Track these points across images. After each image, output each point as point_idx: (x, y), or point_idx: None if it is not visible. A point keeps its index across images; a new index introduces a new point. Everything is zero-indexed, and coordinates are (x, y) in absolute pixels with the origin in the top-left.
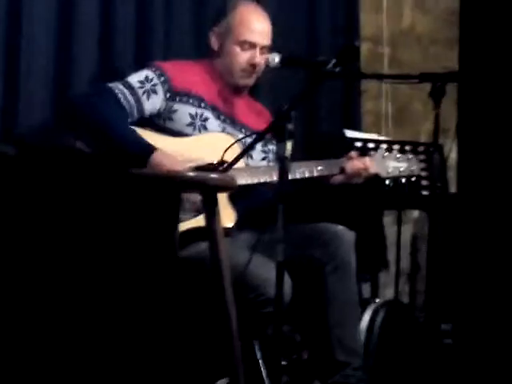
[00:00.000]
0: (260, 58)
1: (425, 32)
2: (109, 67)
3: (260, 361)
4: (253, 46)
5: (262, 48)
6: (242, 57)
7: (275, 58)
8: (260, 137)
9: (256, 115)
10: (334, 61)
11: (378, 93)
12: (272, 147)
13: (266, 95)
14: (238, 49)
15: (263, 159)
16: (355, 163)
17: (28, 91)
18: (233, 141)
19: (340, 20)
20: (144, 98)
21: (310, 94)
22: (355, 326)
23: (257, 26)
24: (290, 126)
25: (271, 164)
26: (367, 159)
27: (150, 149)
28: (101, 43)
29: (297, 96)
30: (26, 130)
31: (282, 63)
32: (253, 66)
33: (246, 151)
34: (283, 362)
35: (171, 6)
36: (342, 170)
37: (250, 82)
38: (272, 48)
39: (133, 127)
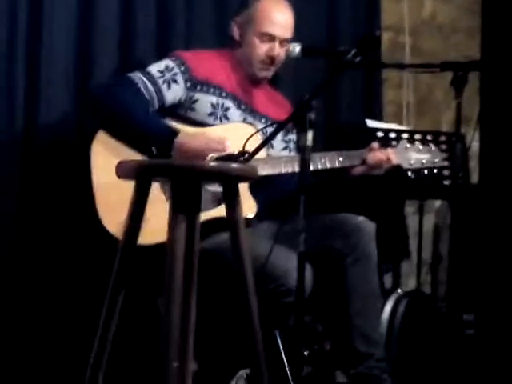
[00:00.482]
0: (279, 51)
1: (446, 21)
2: (130, 65)
3: (282, 351)
4: (272, 38)
5: (283, 41)
6: (261, 49)
7: (296, 48)
8: (281, 126)
9: (276, 105)
10: (354, 50)
11: (400, 82)
12: (293, 137)
13: (287, 85)
14: (257, 40)
15: (284, 149)
16: (377, 154)
17: (48, 95)
18: (254, 130)
19: (361, 9)
20: (164, 87)
21: (330, 84)
22: (377, 317)
23: (278, 19)
24: (312, 116)
25: (292, 154)
26: (389, 151)
27: (174, 131)
28: (121, 40)
29: (318, 86)
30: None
31: (302, 53)
32: (271, 58)
33: (268, 141)
34: (305, 353)
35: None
36: (363, 162)
37: (268, 74)
38: (293, 38)
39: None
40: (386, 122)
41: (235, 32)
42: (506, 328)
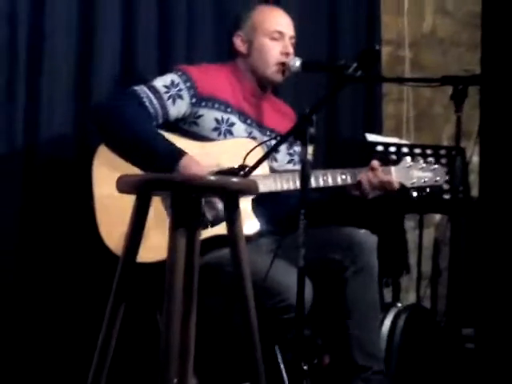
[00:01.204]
0: (291, 47)
1: (446, 35)
2: (131, 77)
3: (281, 365)
4: (282, 35)
5: (290, 38)
6: (275, 48)
7: (296, 63)
8: (282, 140)
9: (281, 116)
10: (354, 65)
11: (400, 96)
12: (297, 149)
13: (288, 99)
14: (269, 41)
15: (289, 162)
16: (378, 175)
17: (49, 109)
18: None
19: (361, 23)
20: (169, 102)
21: (331, 98)
22: (376, 330)
23: (282, 18)
24: (312, 130)
25: (297, 167)
26: (391, 169)
27: (181, 153)
28: (123, 54)
29: (318, 100)
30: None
31: (303, 67)
32: (286, 54)
33: (268, 155)
34: (304, 367)
35: (193, 12)
36: (359, 185)
37: (281, 78)
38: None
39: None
40: (386, 136)
41: (240, 45)
42: (505, 342)
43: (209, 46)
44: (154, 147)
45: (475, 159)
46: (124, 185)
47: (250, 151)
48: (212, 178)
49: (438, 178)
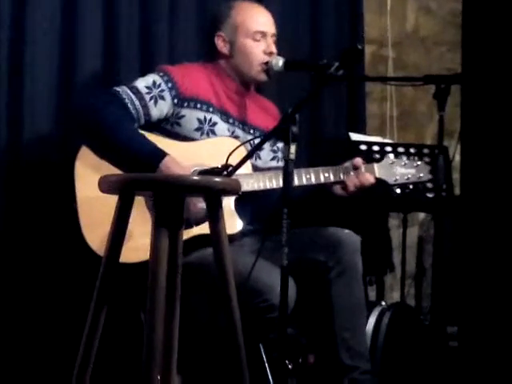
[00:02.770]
0: (274, 46)
1: (429, 34)
2: (113, 77)
3: (266, 364)
4: (264, 35)
5: (272, 36)
6: (258, 48)
7: (279, 62)
8: (264, 140)
9: (264, 113)
10: (337, 64)
11: (383, 95)
12: (280, 145)
13: (270, 99)
14: (251, 42)
15: (273, 159)
16: (359, 178)
17: (32, 109)
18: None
19: (344, 22)
20: (151, 103)
21: (314, 97)
22: (362, 329)
23: (262, 17)
24: (295, 129)
25: (280, 164)
26: (374, 166)
27: (162, 154)
28: (105, 54)
29: (301, 99)
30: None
31: (285, 67)
32: (270, 54)
33: (250, 155)
34: (289, 365)
35: (176, 11)
36: (344, 186)
37: (265, 77)
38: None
39: (141, 131)
40: (370, 135)
41: (221, 46)
42: (489, 340)
43: (191, 44)
44: (136, 149)
45: (458, 158)
46: (106, 185)
47: (233, 151)
48: (195, 177)
49: (421, 175)
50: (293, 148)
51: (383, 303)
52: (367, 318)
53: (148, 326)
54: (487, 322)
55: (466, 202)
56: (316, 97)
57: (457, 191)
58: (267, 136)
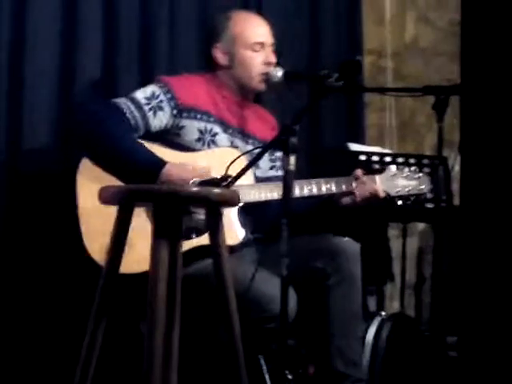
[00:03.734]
0: (273, 56)
1: (428, 44)
2: (113, 88)
3: (266, 375)
4: (262, 45)
5: (271, 46)
6: (258, 59)
7: (278, 73)
8: (263, 151)
9: (263, 123)
10: (336, 75)
11: (382, 106)
12: (279, 154)
13: (269, 109)
14: (250, 53)
15: (271, 168)
16: (367, 188)
17: (32, 119)
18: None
19: (343, 33)
20: (150, 114)
21: (313, 108)
22: (357, 337)
23: (260, 28)
24: (294, 140)
25: (279, 173)
26: (376, 178)
27: (161, 163)
28: (104, 64)
29: (300, 110)
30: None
31: (285, 77)
32: (269, 64)
33: (250, 166)
34: (289, 376)
35: (176, 14)
36: (352, 194)
37: (264, 87)
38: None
39: (141, 141)
40: (369, 145)
41: (220, 57)
42: (489, 350)
43: (191, 48)
44: (136, 159)
45: (458, 168)
46: (106, 196)
47: (232, 162)
48: (194, 188)
49: (422, 187)
50: (292, 159)
51: (383, 313)
52: (367, 328)
53: (148, 337)
54: (487, 331)
55: (466, 212)
56: (315, 107)
57: (456, 201)
58: (267, 147)
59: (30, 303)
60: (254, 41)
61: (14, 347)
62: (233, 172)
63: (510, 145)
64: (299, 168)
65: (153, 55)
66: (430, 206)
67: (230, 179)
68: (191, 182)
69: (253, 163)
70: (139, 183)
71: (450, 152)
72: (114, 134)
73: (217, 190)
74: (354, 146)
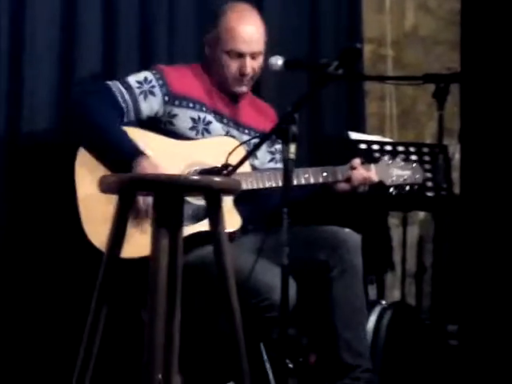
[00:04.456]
0: (250, 66)
1: (428, 33)
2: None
3: (266, 364)
4: (240, 55)
5: (254, 54)
6: (232, 66)
7: (278, 61)
8: (263, 139)
9: (259, 114)
10: (336, 63)
11: (382, 94)
12: (278, 147)
13: (270, 98)
14: (226, 58)
15: (270, 160)
16: (361, 172)
17: (32, 105)
18: (237, 143)
19: (343, 21)
20: (141, 98)
21: (313, 97)
22: (362, 328)
23: (243, 35)
24: (294, 129)
25: (278, 165)
26: (372, 168)
27: (137, 152)
28: (105, 55)
29: (300, 98)
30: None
31: (285, 66)
32: (243, 74)
33: (250, 155)
34: (290, 365)
35: (175, 11)
36: (348, 180)
37: (245, 88)
38: (274, 51)
39: (132, 127)
40: (369, 134)
41: (207, 50)
42: (489, 339)
43: (190, 44)
44: (114, 145)
45: (458, 156)
46: (106, 185)
47: (233, 150)
48: (195, 177)
49: (417, 176)
50: (292, 147)
51: (383, 302)
52: (368, 316)
53: (149, 325)
54: (488, 320)
55: (466, 200)
56: (316, 96)
57: (457, 190)
58: (266, 136)
59: (32, 289)
60: (232, 49)
61: (14, 333)
62: (230, 161)
63: (510, 133)
64: (299, 157)
65: (152, 52)
66: (430, 194)
67: (230, 168)
68: (192, 170)
69: (253, 152)
70: (115, 167)
71: (450, 140)
72: (100, 120)
73: (218, 179)
74: (354, 135)
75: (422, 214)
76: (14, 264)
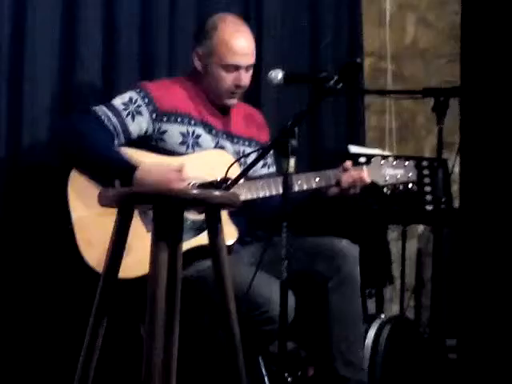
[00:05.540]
0: (245, 78)
1: (428, 47)
2: (113, 88)
3: (265, 377)
4: (237, 67)
5: (247, 67)
6: (228, 79)
7: (278, 75)
8: (262, 154)
9: (248, 121)
10: (336, 77)
11: (382, 108)
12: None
13: (270, 111)
14: (222, 72)
15: (263, 166)
16: (351, 174)
17: (32, 117)
18: (228, 156)
19: (343, 35)
20: (128, 119)
21: (313, 110)
22: (358, 340)
23: (239, 48)
24: (294, 142)
25: (271, 170)
26: (364, 169)
27: (133, 167)
28: (104, 64)
29: (300, 112)
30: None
31: (284, 80)
32: (238, 87)
33: (248, 170)
34: (288, 379)
35: (176, 12)
36: (338, 183)
37: (236, 101)
38: (275, 65)
39: (123, 148)
40: (369, 147)
41: (197, 63)
42: (488, 353)
43: (190, 46)
44: (108, 164)
45: (457, 170)
46: (106, 199)
47: (232, 164)
48: (194, 191)
49: (410, 174)
50: (292, 161)
51: (382, 316)
52: (367, 330)
53: (147, 339)
54: (487, 334)
55: (466, 214)
56: (315, 109)
57: (456, 203)
58: (266, 149)
59: (29, 309)
60: (229, 62)
61: (13, 353)
62: (222, 173)
63: (510, 147)
64: (299, 170)
65: (152, 54)
66: (429, 208)
67: (229, 182)
68: (191, 184)
69: (251, 166)
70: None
71: (449, 154)
72: (89, 143)
73: (217, 192)
74: (354, 148)
75: (421, 228)
76: (10, 283)
